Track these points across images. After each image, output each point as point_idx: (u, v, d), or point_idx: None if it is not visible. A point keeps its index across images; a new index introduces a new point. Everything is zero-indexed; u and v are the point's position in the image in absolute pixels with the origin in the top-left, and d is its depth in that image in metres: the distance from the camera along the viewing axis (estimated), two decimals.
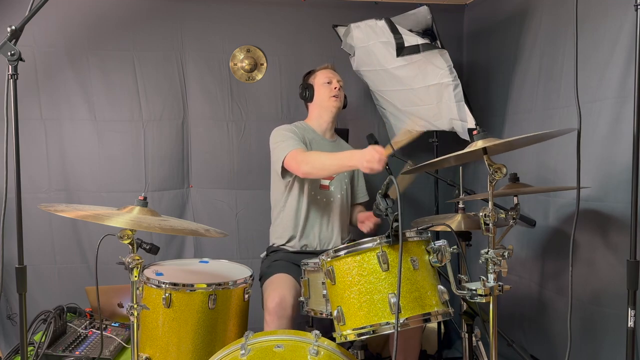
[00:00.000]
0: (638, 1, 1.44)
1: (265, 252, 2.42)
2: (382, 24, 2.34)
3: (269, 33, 2.85)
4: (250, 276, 2.00)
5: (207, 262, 2.20)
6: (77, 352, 2.14)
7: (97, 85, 2.71)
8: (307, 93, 2.42)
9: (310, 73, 2.48)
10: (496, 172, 1.51)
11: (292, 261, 2.23)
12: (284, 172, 2.23)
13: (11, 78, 1.50)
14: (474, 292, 1.51)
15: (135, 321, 1.55)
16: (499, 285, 1.52)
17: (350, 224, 2.52)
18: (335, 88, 2.37)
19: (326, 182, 2.35)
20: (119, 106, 2.74)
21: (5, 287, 2.39)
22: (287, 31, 2.87)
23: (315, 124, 2.42)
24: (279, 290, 2.01)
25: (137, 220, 1.50)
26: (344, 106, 2.46)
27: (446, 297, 1.58)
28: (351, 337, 1.56)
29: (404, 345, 2.02)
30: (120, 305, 2.51)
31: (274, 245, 2.37)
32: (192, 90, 2.81)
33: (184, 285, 1.84)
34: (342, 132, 2.61)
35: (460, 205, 2.17)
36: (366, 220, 2.42)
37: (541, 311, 2.31)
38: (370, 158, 1.88)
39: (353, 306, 1.56)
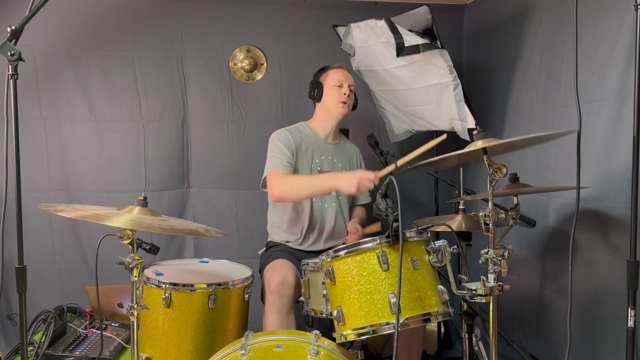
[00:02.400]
0: (638, 1, 1.44)
1: (264, 248, 2.42)
2: (382, 24, 2.34)
3: (269, 33, 2.85)
4: (251, 276, 2.00)
5: (207, 262, 2.20)
6: (77, 352, 2.14)
7: (97, 85, 2.71)
8: (315, 92, 2.33)
9: (322, 70, 2.37)
10: (496, 172, 1.51)
11: (292, 253, 2.25)
12: (265, 184, 2.22)
13: (11, 78, 1.50)
14: (474, 292, 1.51)
15: (135, 321, 1.55)
16: (499, 285, 1.52)
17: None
18: (345, 94, 2.28)
19: None
20: (119, 106, 2.74)
21: (5, 287, 2.39)
22: (287, 31, 2.87)
23: (319, 127, 2.36)
24: (280, 270, 2.02)
25: (137, 220, 1.50)
26: (354, 107, 2.40)
27: (446, 297, 1.58)
28: (351, 337, 1.56)
29: (407, 345, 2.02)
30: (120, 305, 2.51)
31: (274, 241, 2.37)
32: (192, 90, 2.81)
33: (184, 285, 1.84)
34: (342, 133, 2.61)
35: (461, 206, 2.17)
36: (349, 235, 2.34)
37: (541, 311, 2.31)
38: (359, 181, 1.86)
39: (353, 306, 1.56)
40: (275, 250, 2.29)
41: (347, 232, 2.38)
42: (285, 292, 1.95)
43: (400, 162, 1.84)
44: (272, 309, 1.95)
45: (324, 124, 2.36)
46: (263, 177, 2.22)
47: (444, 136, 1.81)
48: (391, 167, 1.86)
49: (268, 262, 2.19)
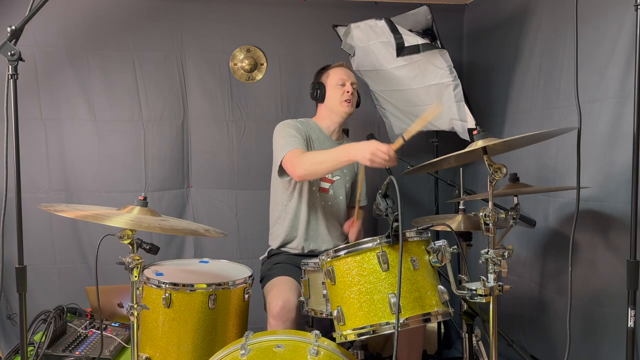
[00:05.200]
0: (638, 1, 1.44)
1: (265, 255, 2.41)
2: (382, 24, 2.34)
3: (269, 33, 2.85)
4: (250, 276, 2.00)
5: (207, 262, 2.20)
6: (77, 352, 2.14)
7: (97, 85, 2.71)
8: (317, 93, 2.31)
9: (323, 70, 2.36)
10: (496, 172, 1.51)
11: (293, 263, 2.22)
12: (282, 171, 2.17)
13: (11, 78, 1.50)
14: (474, 292, 1.51)
15: (135, 321, 1.55)
16: (499, 285, 1.52)
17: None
18: (348, 92, 2.26)
19: (326, 186, 2.33)
20: (119, 106, 2.74)
21: (5, 287, 2.38)
22: (287, 31, 2.87)
23: (323, 125, 2.34)
24: (281, 294, 1.99)
25: (137, 220, 1.50)
26: (357, 105, 2.39)
27: (446, 297, 1.57)
28: (351, 337, 1.56)
29: (408, 344, 2.02)
30: (120, 305, 2.51)
31: (275, 248, 2.36)
32: (192, 90, 2.81)
33: (184, 285, 1.84)
34: (343, 133, 2.61)
35: (461, 206, 2.17)
36: (349, 230, 2.35)
37: (541, 311, 2.31)
38: (374, 151, 1.79)
39: (353, 306, 1.56)
40: (276, 261, 2.26)
41: (347, 233, 2.38)
42: (287, 316, 1.93)
43: (406, 134, 1.81)
44: None
45: (329, 122, 2.34)
46: (279, 161, 2.13)
47: (441, 108, 1.76)
48: (399, 141, 1.82)
49: (270, 276, 2.16)
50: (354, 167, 2.44)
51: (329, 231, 2.33)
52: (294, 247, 2.31)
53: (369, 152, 1.81)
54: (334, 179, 2.34)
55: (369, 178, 2.69)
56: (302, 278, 1.98)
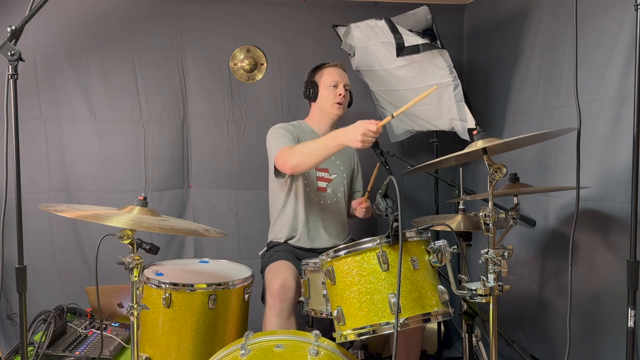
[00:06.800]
0: (638, 1, 1.44)
1: (265, 248, 2.42)
2: (382, 24, 2.34)
3: (269, 33, 2.85)
4: (251, 276, 2.00)
5: (207, 262, 2.20)
6: (77, 352, 2.14)
7: (97, 85, 2.71)
8: (310, 92, 2.34)
9: (317, 69, 2.39)
10: (496, 172, 1.51)
11: (293, 253, 2.25)
12: (277, 172, 2.20)
13: (11, 78, 1.50)
14: (474, 292, 1.51)
15: (135, 321, 1.55)
16: (499, 285, 1.52)
17: (349, 217, 2.50)
18: (340, 94, 2.29)
19: (324, 185, 2.33)
20: (119, 106, 2.74)
21: (5, 287, 2.38)
22: (287, 31, 2.87)
23: (315, 125, 2.38)
24: (281, 274, 2.01)
25: (137, 220, 1.50)
26: (349, 104, 2.42)
27: (446, 297, 1.58)
28: (351, 337, 1.56)
29: (406, 345, 2.02)
30: (120, 305, 2.51)
31: (274, 241, 2.37)
32: (192, 90, 2.81)
33: (184, 285, 1.84)
34: None
35: (461, 206, 2.17)
36: (358, 207, 2.36)
37: (541, 311, 2.31)
38: (364, 133, 1.79)
39: (353, 306, 1.56)
40: (276, 250, 2.29)
41: (355, 209, 2.39)
42: (286, 295, 1.95)
43: (396, 113, 1.85)
44: (272, 312, 1.95)
45: (320, 123, 2.37)
46: (272, 160, 2.17)
47: (435, 87, 1.81)
48: (388, 118, 1.88)
49: (269, 262, 2.18)
50: (351, 163, 2.46)
51: (327, 231, 2.33)
52: (293, 240, 2.33)
53: (360, 134, 1.81)
54: (332, 177, 2.34)
55: (367, 177, 2.69)
56: (302, 278, 1.99)
